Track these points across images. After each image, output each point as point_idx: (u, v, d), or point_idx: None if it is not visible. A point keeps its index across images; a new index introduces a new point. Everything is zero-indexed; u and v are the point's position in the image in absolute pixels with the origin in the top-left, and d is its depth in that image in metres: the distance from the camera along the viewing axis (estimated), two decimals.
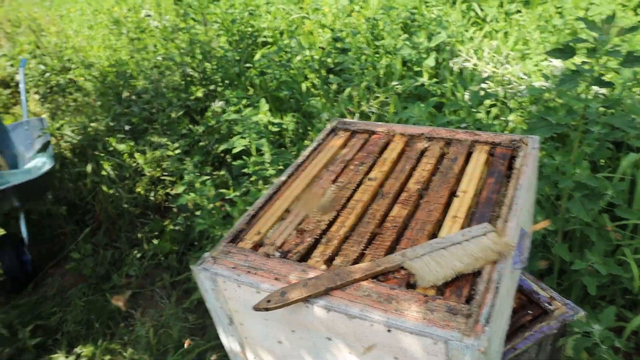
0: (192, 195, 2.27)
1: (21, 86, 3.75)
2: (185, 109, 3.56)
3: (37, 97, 5.01)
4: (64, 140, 3.28)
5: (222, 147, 2.61)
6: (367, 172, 1.39)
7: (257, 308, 1.01)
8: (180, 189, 2.46)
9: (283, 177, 1.41)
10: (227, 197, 2.57)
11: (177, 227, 2.88)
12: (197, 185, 2.28)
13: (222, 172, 2.92)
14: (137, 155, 3.38)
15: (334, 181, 1.37)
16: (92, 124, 3.61)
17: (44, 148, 3.02)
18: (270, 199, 1.35)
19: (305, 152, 1.52)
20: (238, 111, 2.95)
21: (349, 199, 1.29)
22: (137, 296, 2.71)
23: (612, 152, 1.71)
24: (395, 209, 1.22)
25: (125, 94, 4.15)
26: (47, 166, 2.86)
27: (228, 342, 1.30)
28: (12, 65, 5.28)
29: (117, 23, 5.13)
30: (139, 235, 2.96)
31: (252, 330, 1.20)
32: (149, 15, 4.68)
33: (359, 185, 1.34)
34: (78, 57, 5.06)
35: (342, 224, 1.20)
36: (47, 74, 5.04)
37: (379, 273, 1.01)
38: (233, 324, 1.22)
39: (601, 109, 1.90)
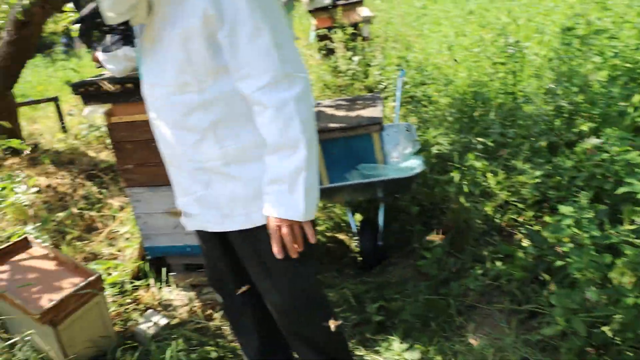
0: (572, 229, 2.17)
1: (397, 93, 4.23)
2: (551, 139, 3.47)
3: (392, 104, 5.60)
4: (436, 149, 3.56)
5: (623, 189, 2.38)
6: None
7: None
8: (553, 219, 2.39)
9: None
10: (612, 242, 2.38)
11: (525, 256, 2.83)
12: (584, 222, 2.17)
13: (602, 206, 2.70)
14: (489, 175, 3.45)
15: None
16: (453, 137, 3.84)
17: (418, 152, 3.34)
18: None
19: None
20: (624, 152, 2.72)
21: None
22: (470, 310, 2.77)
23: None
24: None
25: (479, 114, 4.29)
26: (419, 169, 3.15)
27: None
28: (380, 74, 6.03)
29: (480, 45, 5.35)
30: (484, 252, 3.01)
31: None
32: (518, 42, 4.71)
33: None
34: (438, 74, 5.46)
35: None
36: (407, 86, 5.57)
37: None
38: None
39: None
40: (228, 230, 1.71)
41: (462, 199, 3.12)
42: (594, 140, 3.16)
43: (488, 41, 5.36)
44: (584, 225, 2.29)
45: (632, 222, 2.45)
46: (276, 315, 1.86)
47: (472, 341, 2.51)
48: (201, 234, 1.88)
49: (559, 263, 2.40)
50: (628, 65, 3.88)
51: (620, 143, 2.89)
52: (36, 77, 10.08)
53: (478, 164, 3.44)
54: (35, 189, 3.99)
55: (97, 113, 2.74)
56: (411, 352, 2.52)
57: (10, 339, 2.38)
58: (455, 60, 5.49)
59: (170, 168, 1.77)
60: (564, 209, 2.40)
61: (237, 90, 1.50)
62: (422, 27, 7.84)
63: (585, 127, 3.30)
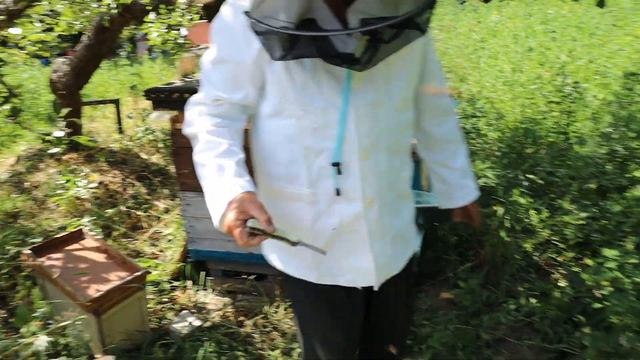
0: (615, 273, 2.14)
1: None
2: (602, 182, 3.41)
3: None
4: (483, 181, 3.56)
5: None
6: None
7: None
8: (595, 261, 2.37)
9: None
10: None
11: (562, 296, 2.79)
12: (627, 267, 2.14)
13: None
14: (532, 212, 3.42)
15: None
16: (499, 171, 3.82)
17: None
18: None
19: None
20: None
21: None
22: (500, 344, 2.74)
23: None
24: None
25: (529, 151, 4.25)
26: None
27: None
28: None
29: (536, 83, 5.31)
30: (520, 288, 2.98)
31: None
32: (577, 83, 4.66)
33: None
34: (490, 108, 5.44)
35: None
36: (458, 117, 5.58)
37: None
38: None
39: None
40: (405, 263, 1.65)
41: (502, 233, 3.10)
42: None
43: (545, 80, 5.32)
44: (628, 270, 2.25)
45: None
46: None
47: None
48: (347, 291, 1.59)
49: (596, 305, 2.36)
50: None
51: None
52: (98, 78, 10.63)
53: (522, 200, 3.41)
54: (94, 185, 4.24)
55: (162, 118, 2.93)
56: None
57: (60, 322, 2.54)
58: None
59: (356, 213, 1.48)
60: (608, 252, 2.37)
61: None
62: (479, 60, 7.82)
63: (638, 174, 3.23)
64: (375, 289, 1.57)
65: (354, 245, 1.50)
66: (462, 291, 2.95)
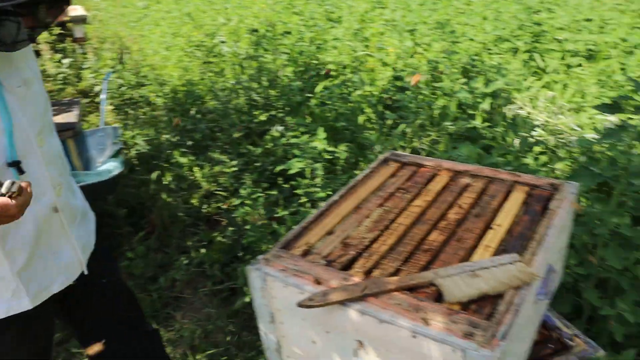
0: (247, 208, 2.45)
1: (102, 97, 4.11)
2: (247, 131, 3.80)
3: (111, 107, 5.41)
4: (135, 149, 3.56)
5: (280, 167, 2.79)
6: (412, 200, 1.52)
7: (300, 305, 1.15)
8: (236, 202, 2.65)
9: (335, 197, 1.57)
10: (276, 215, 2.74)
11: (225, 239, 3.07)
12: (249, 202, 2.46)
13: (274, 192, 3.10)
14: (195, 169, 3.63)
15: (381, 205, 1.51)
16: (161, 137, 3.91)
17: (116, 154, 3.31)
18: (321, 215, 1.50)
19: (358, 177, 1.67)
20: (296, 137, 3.15)
21: (392, 222, 1.42)
22: (179, 300, 2.89)
23: None
24: (433, 234, 1.35)
25: (192, 112, 4.46)
26: (117, 170, 3.13)
27: (267, 339, 1.44)
28: (94, 77, 5.75)
29: (192, 46, 5.52)
30: (189, 243, 3.17)
31: (290, 329, 1.33)
32: (223, 42, 5.02)
33: (402, 210, 1.47)
34: (153, 75, 5.46)
35: (383, 242, 1.33)
36: (123, 88, 5.44)
37: (412, 286, 1.14)
38: (274, 322, 1.36)
39: None
40: None
41: (164, 196, 3.21)
42: (279, 128, 3.60)
43: (198, 41, 5.57)
44: (257, 204, 2.59)
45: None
46: None
47: (183, 329, 2.63)
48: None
49: (249, 239, 2.66)
50: (312, 61, 4.48)
51: (297, 127, 3.34)
52: None
53: (184, 160, 3.59)
54: None
55: None
56: None
57: None
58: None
59: None
60: (243, 191, 2.68)
61: None
62: (143, 27, 7.71)
63: (262, 117, 3.70)
64: (86, 272, 1.49)
65: (55, 242, 1.39)
66: (133, 261, 2.97)
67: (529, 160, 2.63)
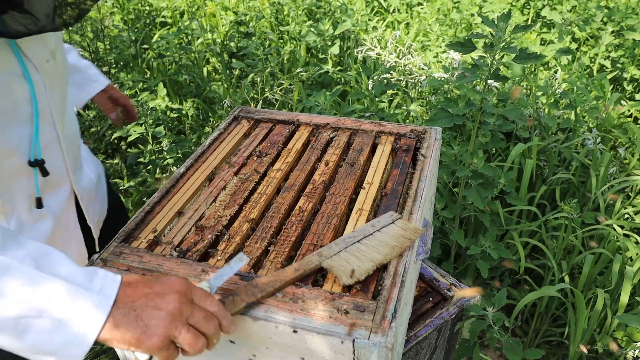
0: None
1: None
2: None
3: None
4: None
5: (116, 134, 2.42)
6: (272, 164, 1.33)
7: None
8: None
9: (182, 169, 1.32)
10: (121, 188, 2.40)
11: None
12: None
13: (115, 161, 2.72)
14: None
15: (236, 173, 1.30)
16: None
17: None
18: (167, 193, 1.25)
19: (206, 142, 1.43)
20: (134, 95, 2.76)
21: (252, 192, 1.23)
22: None
23: (504, 142, 1.81)
24: (300, 202, 1.18)
25: None
26: None
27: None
28: None
29: None
30: None
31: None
32: None
33: (262, 177, 1.28)
34: None
35: (244, 219, 1.14)
36: None
37: (300, 277, 0.96)
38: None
39: (495, 101, 1.99)
40: None
41: None
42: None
43: None
44: None
45: None
46: None
47: None
48: None
49: None
50: (144, 8, 3.97)
51: (134, 85, 2.93)
52: None
53: None
54: None
55: None
56: None
57: None
58: None
59: None
60: None
61: None
62: None
63: None
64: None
65: (71, 234, 1.28)
66: None
67: (384, 103, 2.59)
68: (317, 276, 0.99)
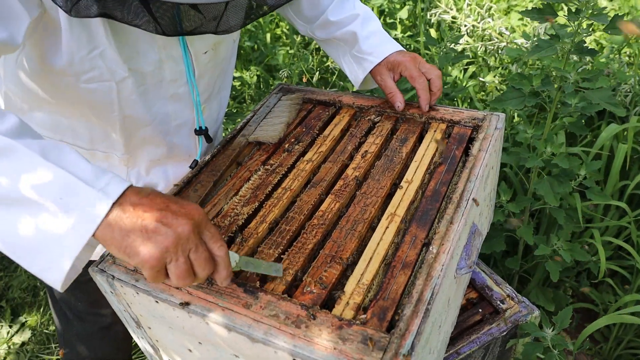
0: None
1: None
2: None
3: None
4: None
5: None
6: (303, 153, 1.20)
7: None
8: None
9: (207, 157, 1.23)
10: None
11: None
12: None
13: None
14: None
15: (264, 162, 1.19)
16: None
17: None
18: (194, 177, 1.16)
19: (240, 125, 1.33)
20: None
21: (276, 186, 1.11)
22: None
23: (586, 129, 1.53)
24: (326, 201, 1.05)
25: None
26: None
27: (140, 343, 1.16)
28: None
29: None
30: None
31: (161, 335, 1.05)
32: None
33: (290, 169, 1.15)
34: None
35: (262, 219, 1.03)
36: None
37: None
38: (141, 327, 1.07)
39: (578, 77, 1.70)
40: None
41: None
42: None
43: None
44: None
45: None
46: None
47: None
48: None
49: None
50: None
51: None
52: None
53: None
54: None
55: None
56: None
57: None
58: None
59: None
60: None
61: None
62: None
63: None
64: None
65: None
66: None
67: (455, 72, 2.35)
68: (330, 293, 0.87)
